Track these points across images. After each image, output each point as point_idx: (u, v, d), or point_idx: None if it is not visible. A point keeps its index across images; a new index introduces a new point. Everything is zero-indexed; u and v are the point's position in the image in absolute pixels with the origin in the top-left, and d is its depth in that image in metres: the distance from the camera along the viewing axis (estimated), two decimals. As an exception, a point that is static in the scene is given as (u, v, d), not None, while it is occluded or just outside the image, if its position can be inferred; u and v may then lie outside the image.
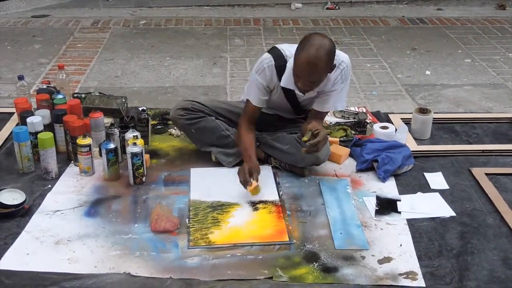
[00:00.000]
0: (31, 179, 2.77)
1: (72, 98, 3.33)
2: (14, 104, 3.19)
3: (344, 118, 3.40)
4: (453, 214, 2.55)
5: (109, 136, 2.82)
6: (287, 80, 2.66)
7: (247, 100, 2.78)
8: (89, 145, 2.75)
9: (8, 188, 2.58)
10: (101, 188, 2.71)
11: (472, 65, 4.58)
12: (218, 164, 2.90)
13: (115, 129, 2.87)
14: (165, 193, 2.69)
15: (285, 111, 2.96)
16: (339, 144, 3.06)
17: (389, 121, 3.36)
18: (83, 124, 2.85)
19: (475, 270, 2.20)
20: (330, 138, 3.03)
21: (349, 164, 2.94)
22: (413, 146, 3.06)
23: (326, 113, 2.88)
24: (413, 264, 2.23)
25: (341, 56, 2.64)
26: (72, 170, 2.85)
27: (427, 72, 4.41)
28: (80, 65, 4.47)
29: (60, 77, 3.44)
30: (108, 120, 3.09)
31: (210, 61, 4.61)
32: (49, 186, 2.71)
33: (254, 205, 2.59)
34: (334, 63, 2.57)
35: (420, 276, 2.17)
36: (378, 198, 2.65)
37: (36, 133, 2.82)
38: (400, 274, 2.18)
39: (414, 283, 2.14)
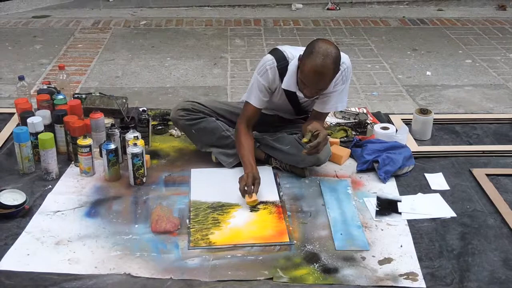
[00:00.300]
0: (32, 179, 2.77)
1: (72, 98, 3.34)
2: (14, 104, 3.20)
3: (344, 119, 3.40)
4: (454, 215, 2.55)
5: (109, 137, 2.83)
6: (289, 82, 2.66)
7: (246, 103, 2.78)
8: (89, 146, 2.75)
9: (8, 189, 2.58)
10: (102, 188, 2.71)
11: (473, 65, 4.58)
12: (219, 164, 2.90)
13: (116, 130, 2.87)
14: (165, 194, 2.68)
15: (286, 112, 2.96)
16: (340, 145, 3.06)
17: (390, 121, 3.36)
18: (83, 124, 2.85)
19: (475, 271, 2.20)
20: (330, 139, 3.03)
21: (350, 165, 2.94)
22: (413, 146, 3.06)
23: (327, 114, 2.87)
24: (414, 265, 2.23)
25: (342, 57, 2.64)
26: (72, 170, 2.85)
27: (428, 73, 4.41)
28: (80, 65, 4.48)
29: (61, 77, 3.45)
30: (108, 121, 3.10)
31: (210, 61, 4.61)
32: (50, 186, 2.71)
33: (254, 206, 2.58)
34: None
35: (420, 277, 2.17)
36: (378, 198, 2.65)
37: (37, 133, 2.82)
38: (401, 275, 2.18)
39: (414, 284, 2.14)
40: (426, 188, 2.76)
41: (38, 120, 2.86)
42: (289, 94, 2.76)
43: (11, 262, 2.22)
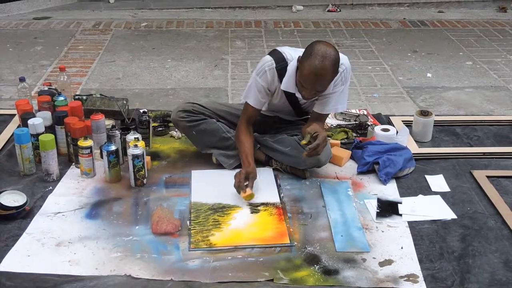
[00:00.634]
0: (32, 181, 2.77)
1: (73, 100, 3.34)
2: (15, 106, 3.20)
3: (345, 121, 3.40)
4: (454, 216, 2.54)
5: (110, 138, 2.83)
6: (288, 83, 2.66)
7: (246, 103, 2.79)
8: (90, 147, 2.75)
9: (9, 190, 2.58)
10: (102, 190, 2.71)
11: (473, 67, 4.58)
12: (219, 166, 2.90)
13: (116, 131, 2.87)
14: (166, 195, 2.69)
15: (286, 113, 2.96)
16: (340, 147, 3.06)
17: (390, 123, 3.36)
18: (84, 126, 2.85)
19: (476, 272, 2.20)
20: (331, 141, 3.04)
21: (350, 167, 2.94)
22: (414, 148, 3.06)
23: (327, 115, 2.88)
24: (414, 267, 2.23)
25: (340, 58, 2.64)
26: (73, 172, 2.85)
27: (428, 75, 4.41)
28: (81, 67, 4.48)
29: (62, 79, 3.45)
30: (109, 122, 3.09)
31: (211, 63, 4.61)
32: (50, 188, 2.71)
33: (255, 207, 2.59)
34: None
35: (421, 278, 2.17)
36: (379, 200, 2.64)
37: (37, 135, 2.82)
38: (401, 277, 2.18)
39: (415, 286, 2.13)
40: (426, 190, 2.76)
41: (39, 121, 2.86)
42: (289, 96, 2.77)
43: (11, 263, 2.22)
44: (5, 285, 2.10)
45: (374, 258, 2.28)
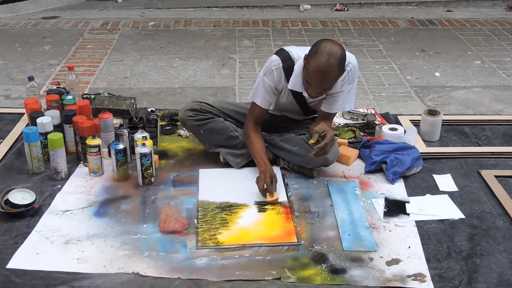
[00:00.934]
0: (41, 179, 2.79)
1: (81, 99, 3.35)
2: (24, 104, 3.21)
3: (352, 120, 3.40)
4: (462, 216, 2.54)
5: (118, 137, 2.84)
6: (295, 82, 2.66)
7: (253, 103, 2.79)
8: (98, 146, 2.76)
9: (18, 188, 2.59)
10: (110, 188, 2.73)
11: (482, 66, 4.56)
12: (227, 165, 2.90)
13: (124, 130, 2.88)
14: (173, 194, 2.69)
15: (293, 113, 2.96)
16: (348, 146, 3.06)
17: (398, 122, 3.35)
18: (92, 124, 2.87)
19: (484, 272, 2.19)
20: (339, 140, 3.03)
21: (358, 166, 2.94)
22: (422, 148, 3.05)
23: (334, 114, 2.87)
24: (422, 266, 2.22)
25: (347, 57, 2.64)
26: (81, 170, 2.86)
27: (437, 74, 4.40)
28: (89, 66, 4.50)
29: (70, 78, 3.47)
30: (117, 121, 3.11)
31: (219, 62, 4.62)
32: (59, 186, 2.73)
33: (262, 206, 2.59)
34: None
35: (428, 278, 2.16)
36: (386, 199, 2.64)
37: (46, 133, 2.83)
38: (409, 276, 2.17)
39: (422, 285, 2.13)
40: (434, 189, 2.75)
41: (48, 120, 2.88)
42: (296, 95, 2.77)
43: (20, 260, 2.23)
44: (14, 282, 2.12)
45: (381, 257, 2.28)
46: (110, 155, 2.77)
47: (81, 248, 2.31)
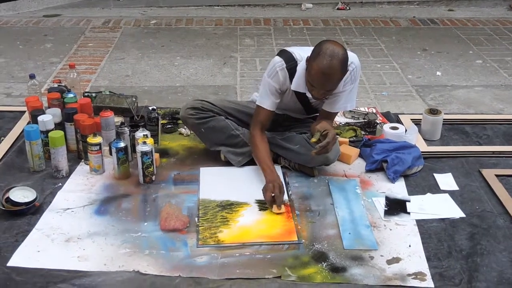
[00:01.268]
0: (42, 177, 2.79)
1: (82, 97, 3.36)
2: (25, 102, 3.22)
3: (354, 119, 3.40)
4: (463, 215, 2.54)
5: (119, 135, 2.84)
6: (298, 83, 2.66)
7: (259, 107, 2.76)
8: (99, 144, 2.76)
9: (19, 186, 2.60)
10: (111, 186, 2.73)
11: (483, 66, 4.56)
12: (228, 163, 2.90)
13: (125, 128, 2.88)
14: (174, 192, 2.70)
15: (296, 112, 2.96)
16: (349, 145, 3.06)
17: (399, 121, 3.35)
18: (93, 123, 2.87)
19: (484, 271, 2.19)
20: (340, 139, 3.04)
21: (359, 165, 2.94)
22: (423, 147, 3.05)
23: (336, 113, 2.87)
24: (422, 265, 2.23)
25: (350, 56, 2.64)
26: (82, 168, 2.87)
27: (438, 73, 4.40)
28: (91, 64, 4.50)
29: (71, 76, 3.47)
30: (118, 119, 3.11)
31: (220, 61, 4.62)
32: (60, 184, 2.73)
33: (263, 204, 2.59)
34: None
35: (428, 276, 2.16)
36: (387, 198, 2.64)
37: (47, 131, 2.83)
38: (409, 275, 2.17)
39: (422, 284, 2.13)
40: (435, 188, 2.75)
41: (49, 118, 2.88)
42: (299, 95, 2.77)
43: (21, 258, 2.24)
44: (15, 280, 2.12)
45: (382, 256, 2.28)
46: (111, 153, 2.78)
47: (82, 246, 2.31)
